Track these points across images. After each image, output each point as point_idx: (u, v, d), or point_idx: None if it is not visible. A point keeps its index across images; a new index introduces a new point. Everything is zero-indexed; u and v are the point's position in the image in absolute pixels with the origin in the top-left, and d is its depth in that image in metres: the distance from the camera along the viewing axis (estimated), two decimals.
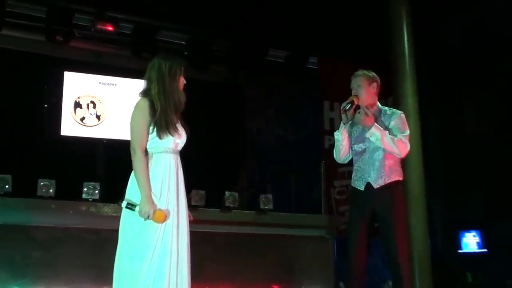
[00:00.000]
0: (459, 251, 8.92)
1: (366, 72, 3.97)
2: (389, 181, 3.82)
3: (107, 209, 5.25)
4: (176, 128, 3.08)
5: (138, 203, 2.93)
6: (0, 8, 6.97)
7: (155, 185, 2.99)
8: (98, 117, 8.03)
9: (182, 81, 3.21)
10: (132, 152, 3.00)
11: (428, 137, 7.49)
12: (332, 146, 8.38)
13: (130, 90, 8.09)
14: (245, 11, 7.71)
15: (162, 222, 2.92)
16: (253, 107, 9.62)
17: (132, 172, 3.02)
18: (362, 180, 3.86)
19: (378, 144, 3.79)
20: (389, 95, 6.81)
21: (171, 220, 2.98)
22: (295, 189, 7.88)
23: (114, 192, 5.56)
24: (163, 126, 3.01)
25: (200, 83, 8.43)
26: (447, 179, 9.11)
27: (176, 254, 2.98)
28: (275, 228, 6.15)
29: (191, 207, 5.70)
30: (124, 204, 2.98)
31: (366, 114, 3.77)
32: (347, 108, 3.83)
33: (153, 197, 2.95)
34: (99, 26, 7.57)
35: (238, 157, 9.28)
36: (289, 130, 9.73)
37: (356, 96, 3.87)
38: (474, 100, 9.02)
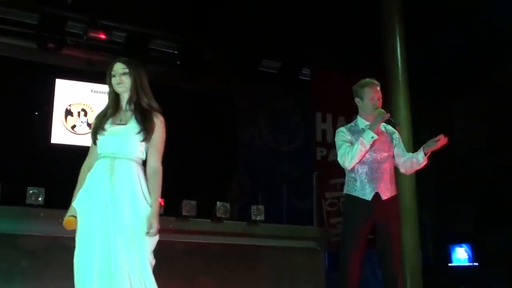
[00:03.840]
0: (450, 264, 8.92)
1: None
2: (394, 193, 3.84)
3: None
4: (99, 131, 3.02)
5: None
6: None
7: (80, 191, 3.00)
8: (89, 125, 7.98)
9: (118, 80, 3.09)
10: None
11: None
12: (323, 157, 8.44)
13: None
14: (237, 21, 7.72)
15: (68, 228, 2.94)
16: (245, 117, 9.61)
17: None
18: (370, 190, 3.77)
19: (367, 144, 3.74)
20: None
21: (91, 225, 2.87)
22: (287, 200, 7.86)
23: None
24: (92, 132, 3.10)
25: (192, 93, 8.41)
26: (437, 192, 9.13)
27: (103, 261, 2.82)
28: (266, 239, 6.12)
29: (180, 217, 5.68)
30: None
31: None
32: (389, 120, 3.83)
33: (74, 203, 2.98)
34: (92, 34, 7.54)
35: (230, 167, 9.25)
36: (281, 141, 9.72)
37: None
38: (465, 112, 9.07)
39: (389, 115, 3.80)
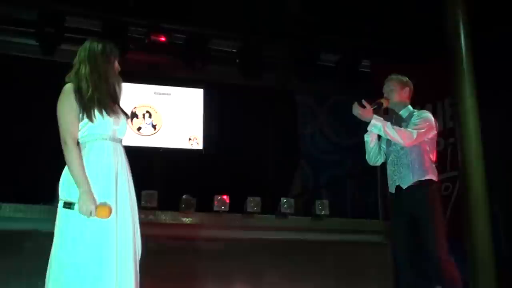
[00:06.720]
0: None
1: (399, 76, 4.15)
2: (417, 181, 3.76)
3: (165, 216, 5.33)
4: (112, 110, 2.85)
5: (76, 200, 2.64)
6: (60, 24, 7.23)
7: (89, 177, 2.70)
8: (154, 126, 8.18)
9: (117, 66, 3.03)
10: (62, 144, 2.71)
11: (488, 138, 7.24)
12: None
13: (184, 99, 8.29)
14: (294, 16, 7.70)
15: (107, 217, 2.63)
16: (305, 113, 9.59)
17: (65, 168, 2.73)
18: (391, 182, 3.89)
19: (382, 134, 3.84)
20: (445, 96, 6.63)
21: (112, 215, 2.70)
22: (351, 194, 7.78)
23: (172, 199, 5.67)
24: (94, 105, 2.75)
25: (252, 90, 8.47)
26: (510, 179, 8.77)
27: (116, 250, 2.69)
28: (331, 234, 6.10)
29: (245, 214, 5.74)
30: (60, 204, 2.70)
31: (364, 106, 3.85)
32: (373, 108, 3.91)
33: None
34: (153, 37, 7.73)
35: (292, 163, 9.25)
36: (342, 135, 9.63)
37: (386, 99, 4.02)
38: None
39: (377, 102, 3.96)
